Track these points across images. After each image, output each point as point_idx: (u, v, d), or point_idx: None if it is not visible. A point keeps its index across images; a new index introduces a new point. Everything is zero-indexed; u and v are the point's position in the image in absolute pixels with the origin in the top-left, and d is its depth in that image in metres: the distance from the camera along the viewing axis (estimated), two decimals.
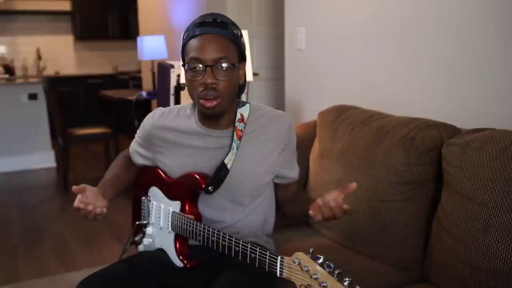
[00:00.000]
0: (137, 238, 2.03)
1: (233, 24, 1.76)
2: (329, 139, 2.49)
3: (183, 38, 1.74)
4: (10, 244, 4.12)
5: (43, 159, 6.66)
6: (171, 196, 1.91)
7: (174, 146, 1.90)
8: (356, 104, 2.67)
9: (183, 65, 1.75)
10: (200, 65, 1.67)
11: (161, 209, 1.94)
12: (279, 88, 5.17)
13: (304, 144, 2.66)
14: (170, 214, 1.88)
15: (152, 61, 6.54)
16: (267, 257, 1.51)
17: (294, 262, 1.42)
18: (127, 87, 8.64)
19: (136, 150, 2.04)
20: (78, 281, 1.76)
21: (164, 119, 1.92)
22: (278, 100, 5.24)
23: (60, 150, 5.90)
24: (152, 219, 1.99)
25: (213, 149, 1.84)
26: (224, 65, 1.68)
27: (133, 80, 8.70)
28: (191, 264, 1.85)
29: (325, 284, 1.33)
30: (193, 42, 1.69)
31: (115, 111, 6.47)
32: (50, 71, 9.03)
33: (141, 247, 2.01)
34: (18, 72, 8.72)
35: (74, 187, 1.79)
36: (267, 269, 1.51)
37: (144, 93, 5.78)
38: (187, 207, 1.85)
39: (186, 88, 1.82)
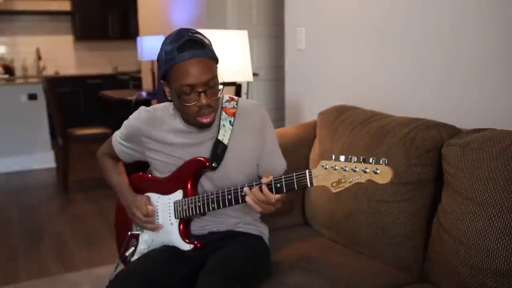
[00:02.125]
0: (127, 254, 2.11)
1: (203, 35, 1.84)
2: (329, 139, 2.49)
3: (162, 59, 1.80)
4: (10, 244, 4.12)
5: (43, 159, 6.66)
6: (169, 190, 2.02)
7: (160, 144, 2.00)
8: (356, 104, 2.67)
9: (167, 84, 1.85)
10: (194, 91, 1.78)
11: (158, 209, 2.05)
12: (279, 88, 5.17)
13: (304, 144, 2.66)
14: (172, 205, 2.00)
15: (152, 61, 6.55)
16: (295, 178, 1.68)
17: (322, 167, 1.61)
18: (127, 88, 8.65)
19: (123, 150, 2.14)
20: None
21: (149, 118, 2.02)
22: (278, 100, 5.23)
23: (60, 150, 5.90)
24: None
25: (197, 144, 1.97)
26: (214, 85, 1.80)
27: (133, 80, 8.70)
28: (200, 243, 1.98)
29: (355, 169, 1.55)
30: (181, 69, 1.76)
31: (115, 111, 6.47)
32: (50, 71, 9.03)
33: (135, 258, 2.07)
34: (18, 72, 8.73)
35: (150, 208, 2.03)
36: (296, 187, 1.68)
37: (144, 94, 5.78)
38: (189, 191, 1.97)
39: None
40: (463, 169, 1.84)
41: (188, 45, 1.75)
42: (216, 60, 1.84)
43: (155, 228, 2.03)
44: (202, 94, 1.77)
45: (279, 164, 2.07)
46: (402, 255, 2.10)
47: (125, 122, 2.10)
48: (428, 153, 2.02)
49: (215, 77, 1.80)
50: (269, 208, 1.74)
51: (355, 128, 2.37)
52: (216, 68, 1.83)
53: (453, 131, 2.04)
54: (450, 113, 2.33)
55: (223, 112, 1.98)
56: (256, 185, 1.75)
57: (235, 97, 2.05)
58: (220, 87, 1.85)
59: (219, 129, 1.96)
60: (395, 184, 2.09)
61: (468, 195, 1.79)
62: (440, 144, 2.00)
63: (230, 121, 1.96)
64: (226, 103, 2.00)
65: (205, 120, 1.84)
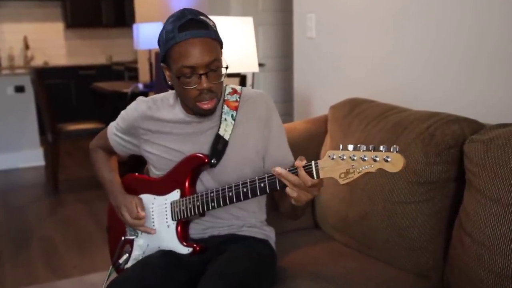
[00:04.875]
0: (121, 261, 2.12)
1: (207, 17, 1.86)
2: (341, 135, 2.49)
3: (162, 39, 1.83)
4: None
5: (31, 157, 6.69)
6: (165, 191, 2.03)
7: (158, 135, 2.04)
8: (370, 97, 2.67)
9: (166, 67, 1.88)
10: (194, 73, 1.80)
11: (153, 212, 2.06)
12: (287, 79, 5.18)
13: (314, 141, 2.67)
14: (168, 206, 2.01)
15: (150, 51, 6.56)
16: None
17: (329, 157, 1.61)
18: (122, 79, 8.67)
19: (119, 143, 2.17)
20: None
21: (148, 109, 2.06)
22: (286, 92, 5.24)
23: (49, 147, 5.92)
24: None
25: (197, 134, 2.00)
26: (216, 67, 1.83)
27: (129, 71, 8.73)
28: (199, 247, 1.98)
29: (365, 158, 1.55)
30: (181, 49, 1.78)
31: (109, 104, 6.48)
32: (38, 62, 9.06)
33: (129, 266, 2.09)
34: (4, 62, 8.76)
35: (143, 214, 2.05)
36: None
37: (140, 85, 5.80)
38: (187, 190, 1.98)
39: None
40: (487, 168, 1.83)
41: (190, 25, 1.77)
42: (220, 42, 1.86)
43: (147, 231, 2.05)
44: (203, 77, 1.80)
45: (288, 157, 2.07)
46: (420, 260, 2.10)
47: (122, 113, 2.13)
48: (448, 150, 2.03)
49: (217, 59, 1.82)
50: (305, 195, 1.69)
51: (369, 123, 2.38)
52: (220, 51, 1.85)
53: (476, 126, 2.04)
54: (473, 107, 2.33)
55: (225, 106, 2.00)
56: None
57: (238, 88, 2.07)
58: (224, 70, 1.86)
59: (220, 122, 1.98)
60: (412, 184, 2.09)
61: (492, 196, 1.79)
62: (461, 140, 2.00)
63: (232, 115, 1.99)
64: (229, 96, 2.02)
65: (206, 106, 1.86)
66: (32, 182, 6.13)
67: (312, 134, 2.69)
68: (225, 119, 1.98)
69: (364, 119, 2.43)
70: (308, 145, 2.65)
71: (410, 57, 2.72)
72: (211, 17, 1.91)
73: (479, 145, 1.89)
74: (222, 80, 1.87)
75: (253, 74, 3.88)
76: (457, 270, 1.96)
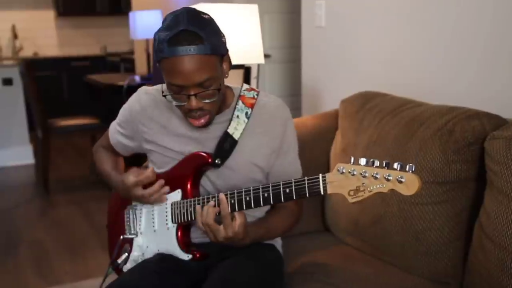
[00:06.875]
0: (120, 261, 2.10)
1: (208, 24, 1.75)
2: (353, 132, 2.49)
3: (155, 43, 1.75)
4: None
5: (20, 154, 6.70)
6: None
7: (160, 134, 2.00)
8: (384, 90, 2.67)
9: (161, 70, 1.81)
10: (183, 92, 1.76)
11: (154, 210, 2.04)
12: (294, 71, 5.17)
13: (324, 137, 2.67)
14: (169, 207, 1.99)
15: (147, 40, 6.57)
16: (306, 183, 1.68)
17: (338, 171, 1.60)
18: (117, 71, 8.67)
19: (119, 140, 2.14)
20: None
21: (151, 102, 2.02)
22: (294, 85, 5.24)
23: (40, 144, 5.92)
24: (142, 227, 2.08)
25: (201, 140, 1.96)
26: (209, 86, 1.75)
27: (125, 62, 8.73)
28: (199, 253, 1.96)
29: (376, 175, 1.51)
30: (169, 66, 1.72)
31: (103, 98, 6.49)
32: (27, 52, 9.08)
33: (128, 266, 2.08)
34: None
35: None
36: (307, 195, 1.68)
37: (137, 78, 5.80)
38: (189, 192, 1.96)
39: None
40: (509, 166, 1.83)
41: (181, 38, 1.68)
42: (218, 54, 1.76)
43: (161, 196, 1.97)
44: (192, 97, 1.75)
45: (295, 176, 1.99)
46: (438, 266, 2.11)
47: (124, 106, 2.10)
48: (468, 147, 2.03)
49: (211, 77, 1.74)
50: (214, 230, 1.78)
51: (383, 118, 2.38)
52: (217, 66, 1.76)
53: (498, 122, 2.04)
54: (495, 101, 2.33)
55: (240, 101, 1.96)
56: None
57: (255, 88, 2.02)
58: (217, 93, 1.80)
59: (231, 120, 1.94)
60: (430, 184, 2.09)
61: None
62: (482, 137, 2.00)
63: (246, 113, 1.95)
64: (245, 92, 1.99)
65: (197, 123, 1.84)
66: (21, 182, 6.14)
67: (322, 130, 2.69)
68: (238, 116, 1.93)
69: (377, 114, 2.43)
70: (317, 143, 2.65)
71: (427, 48, 2.72)
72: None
73: (501, 142, 1.89)
74: (215, 99, 1.79)
75: (258, 65, 3.88)
76: (477, 276, 1.96)
